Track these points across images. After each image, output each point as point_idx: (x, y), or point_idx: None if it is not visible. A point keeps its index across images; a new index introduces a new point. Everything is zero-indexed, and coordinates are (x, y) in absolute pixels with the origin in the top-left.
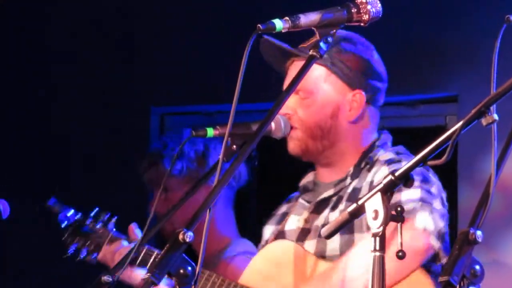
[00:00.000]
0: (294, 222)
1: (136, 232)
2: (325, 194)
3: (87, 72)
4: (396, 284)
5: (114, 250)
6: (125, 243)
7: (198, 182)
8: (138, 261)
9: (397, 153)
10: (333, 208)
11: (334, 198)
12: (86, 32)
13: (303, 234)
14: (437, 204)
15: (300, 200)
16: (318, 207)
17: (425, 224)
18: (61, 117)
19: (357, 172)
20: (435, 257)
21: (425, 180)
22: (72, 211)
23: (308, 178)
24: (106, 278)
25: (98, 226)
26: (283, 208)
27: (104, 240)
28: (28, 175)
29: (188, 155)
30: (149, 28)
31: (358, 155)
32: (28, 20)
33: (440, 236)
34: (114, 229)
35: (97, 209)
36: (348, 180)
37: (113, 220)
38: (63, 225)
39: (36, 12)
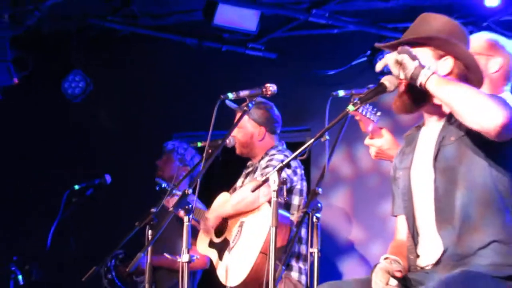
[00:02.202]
0: (239, 182)
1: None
2: (248, 170)
3: (126, 110)
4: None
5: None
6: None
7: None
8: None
9: (285, 155)
10: (254, 173)
11: (252, 170)
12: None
13: (241, 187)
14: (296, 178)
15: (245, 170)
16: (246, 175)
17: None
18: (108, 142)
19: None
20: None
21: (294, 170)
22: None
23: (250, 162)
24: (153, 209)
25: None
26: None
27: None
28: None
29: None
30: (172, 84)
31: (263, 153)
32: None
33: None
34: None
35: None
36: (257, 164)
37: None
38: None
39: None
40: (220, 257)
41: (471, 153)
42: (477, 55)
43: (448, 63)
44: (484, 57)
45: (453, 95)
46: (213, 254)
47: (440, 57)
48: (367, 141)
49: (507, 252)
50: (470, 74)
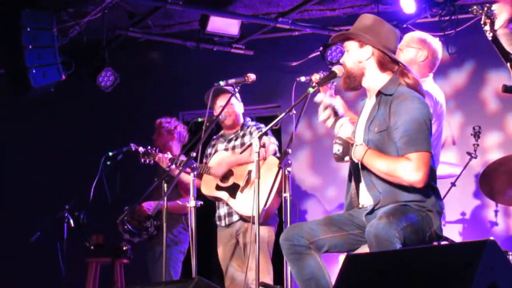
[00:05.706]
0: (221, 146)
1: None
2: (230, 137)
3: (143, 95)
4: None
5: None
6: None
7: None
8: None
9: (258, 126)
10: (236, 140)
11: (234, 137)
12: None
13: (226, 150)
14: (273, 143)
15: (221, 139)
16: (229, 141)
17: (274, 147)
18: (130, 118)
19: (242, 130)
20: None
21: (271, 136)
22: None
23: (221, 133)
24: (167, 169)
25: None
26: (212, 143)
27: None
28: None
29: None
30: (177, 76)
31: (240, 125)
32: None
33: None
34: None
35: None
36: (239, 132)
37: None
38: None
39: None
40: (233, 196)
41: (387, 145)
42: (409, 47)
43: (367, 50)
44: (415, 49)
45: (374, 169)
46: (222, 194)
47: (362, 46)
48: (325, 100)
49: (415, 206)
50: (387, 58)
